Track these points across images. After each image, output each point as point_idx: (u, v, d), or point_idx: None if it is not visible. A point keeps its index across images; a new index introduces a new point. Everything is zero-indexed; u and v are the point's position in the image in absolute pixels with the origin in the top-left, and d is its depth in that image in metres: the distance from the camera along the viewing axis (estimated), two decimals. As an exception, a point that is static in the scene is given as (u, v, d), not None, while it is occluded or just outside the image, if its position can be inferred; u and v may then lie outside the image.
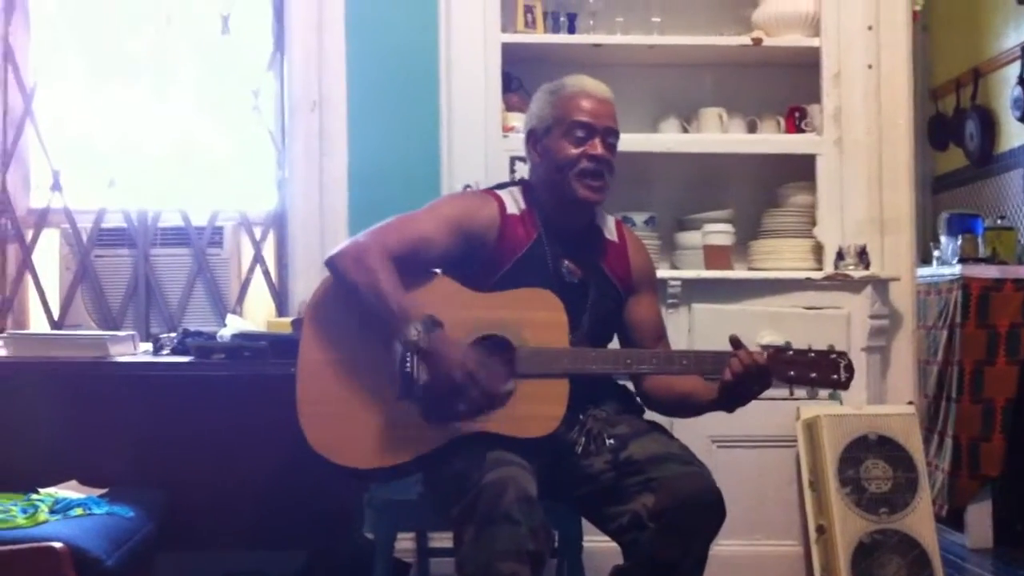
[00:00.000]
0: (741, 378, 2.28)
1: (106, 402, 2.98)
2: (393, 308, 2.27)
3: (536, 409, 2.30)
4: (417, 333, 2.23)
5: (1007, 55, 5.23)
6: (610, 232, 2.62)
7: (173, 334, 3.07)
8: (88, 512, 2.51)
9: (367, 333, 2.33)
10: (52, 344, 2.94)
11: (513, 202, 2.53)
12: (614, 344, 2.60)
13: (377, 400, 2.32)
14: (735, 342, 2.30)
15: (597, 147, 2.44)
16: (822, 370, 2.33)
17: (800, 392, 2.39)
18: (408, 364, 2.31)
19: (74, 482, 2.77)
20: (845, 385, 2.35)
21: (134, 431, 3.00)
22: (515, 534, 2.07)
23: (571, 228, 2.53)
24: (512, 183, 2.67)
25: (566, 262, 2.49)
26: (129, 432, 3.00)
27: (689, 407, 2.49)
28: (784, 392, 2.39)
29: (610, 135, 2.48)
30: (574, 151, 2.44)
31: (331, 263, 2.38)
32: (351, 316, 2.35)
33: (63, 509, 2.50)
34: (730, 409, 2.39)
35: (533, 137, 2.54)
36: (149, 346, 3.08)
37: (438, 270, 2.47)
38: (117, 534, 2.45)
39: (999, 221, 4.84)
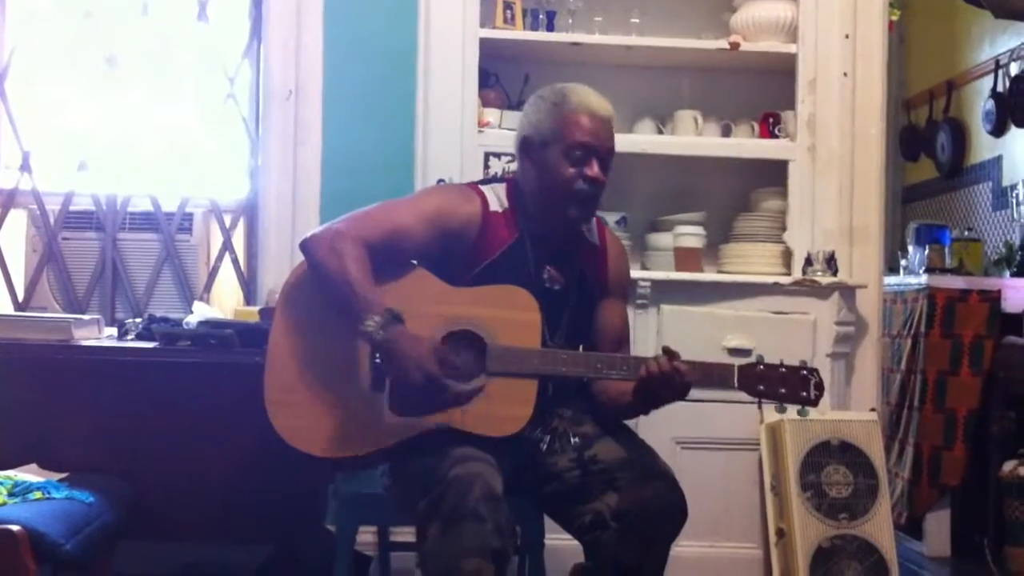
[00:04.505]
0: (653, 383, 2.27)
1: (69, 386, 2.95)
2: (357, 296, 2.24)
3: (503, 409, 2.29)
4: (373, 326, 2.20)
5: (981, 68, 5.29)
6: (592, 235, 2.58)
7: (139, 319, 3.04)
8: (47, 496, 2.48)
9: (339, 321, 2.31)
10: (15, 326, 2.90)
11: (496, 199, 2.49)
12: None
13: (346, 389, 2.31)
14: (667, 352, 2.29)
15: (595, 169, 2.40)
16: (792, 386, 2.33)
17: (768, 404, 2.40)
18: (378, 355, 2.30)
19: (34, 466, 2.74)
20: (814, 402, 2.35)
21: (96, 416, 2.97)
22: (480, 531, 2.06)
23: (554, 233, 2.50)
24: (496, 179, 2.64)
25: (548, 268, 2.46)
26: (91, 417, 2.97)
27: (620, 408, 2.47)
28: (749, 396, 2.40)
29: (608, 155, 2.44)
30: (571, 171, 2.39)
31: (305, 245, 2.36)
32: (324, 303, 2.33)
33: (22, 492, 2.47)
34: (646, 411, 2.39)
35: (527, 145, 2.46)
36: (114, 331, 3.05)
37: (415, 262, 2.44)
38: (76, 519, 2.42)
39: (967, 233, 4.90)
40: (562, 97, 2.43)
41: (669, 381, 2.26)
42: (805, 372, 2.35)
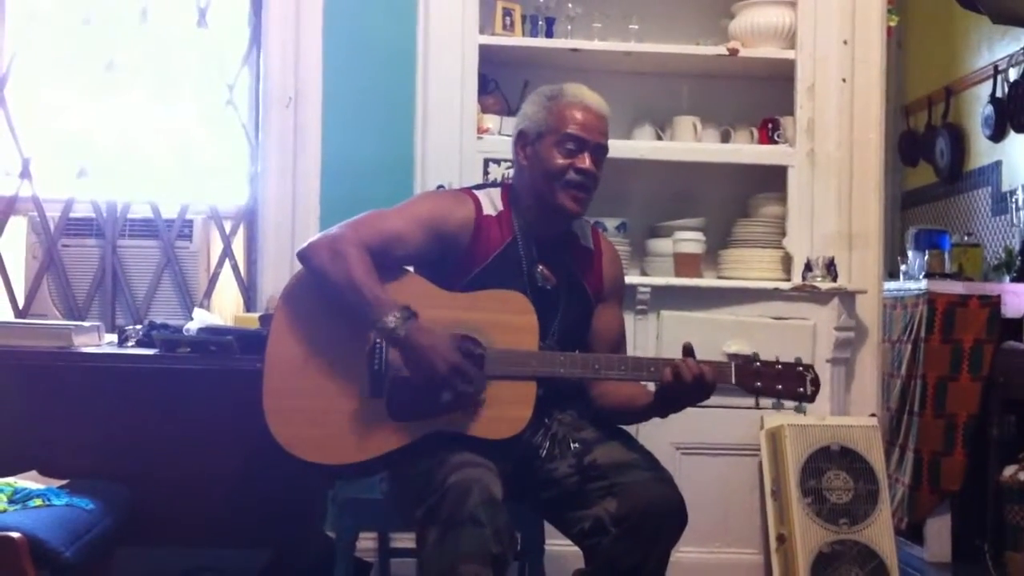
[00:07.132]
0: (682, 386, 2.27)
1: (69, 393, 2.95)
2: (368, 297, 2.25)
3: (503, 411, 2.30)
4: (395, 321, 2.22)
5: (979, 74, 5.29)
6: (586, 239, 2.61)
7: (139, 326, 3.04)
8: (47, 503, 2.48)
9: (338, 327, 2.32)
10: (15, 332, 2.90)
11: (490, 203, 2.51)
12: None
13: (345, 396, 2.31)
14: (687, 349, 2.31)
15: (586, 161, 2.43)
16: (788, 382, 2.34)
17: (765, 402, 2.40)
18: (376, 362, 2.31)
19: (34, 473, 2.73)
20: (811, 398, 2.36)
21: (96, 423, 2.97)
22: (479, 536, 2.07)
23: (548, 233, 2.52)
24: (492, 184, 2.66)
25: (541, 267, 2.48)
26: (91, 424, 2.97)
27: (629, 413, 2.49)
28: (749, 401, 2.40)
29: (599, 151, 2.47)
30: (563, 162, 2.42)
31: (304, 254, 2.36)
32: (322, 310, 2.34)
33: (22, 499, 2.47)
34: (664, 415, 2.40)
35: (523, 139, 2.51)
36: (114, 337, 3.05)
37: (410, 268, 2.46)
38: (76, 526, 2.42)
39: (966, 238, 4.90)
40: (558, 91, 2.50)
41: (697, 383, 2.26)
42: (801, 368, 2.36)
